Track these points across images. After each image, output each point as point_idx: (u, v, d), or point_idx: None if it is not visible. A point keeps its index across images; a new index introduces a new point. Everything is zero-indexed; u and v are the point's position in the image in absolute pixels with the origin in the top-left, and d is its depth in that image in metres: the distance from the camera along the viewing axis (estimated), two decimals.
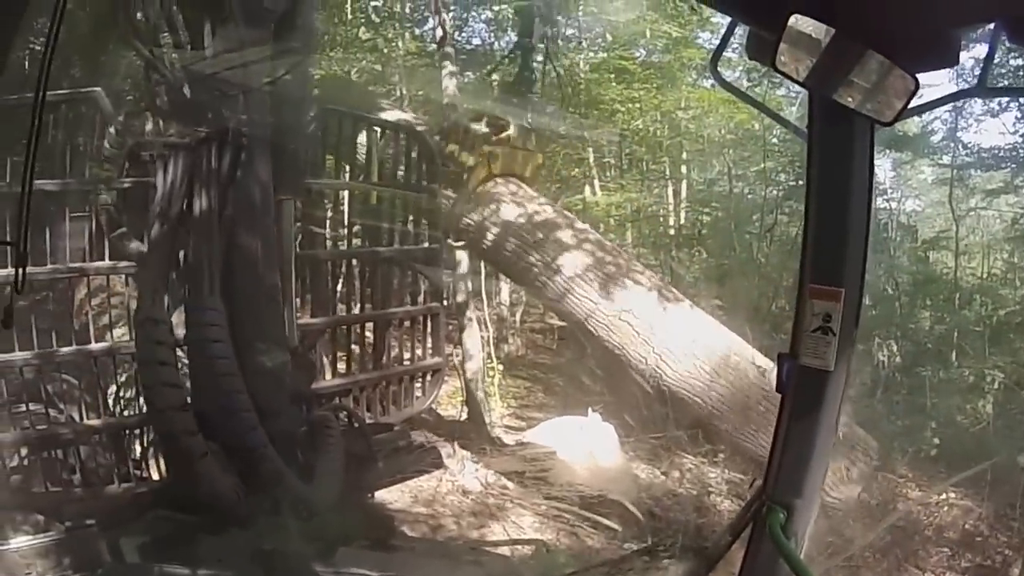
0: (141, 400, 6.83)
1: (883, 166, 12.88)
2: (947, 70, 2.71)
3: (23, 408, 6.54)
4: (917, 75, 2.48)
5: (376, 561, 5.94)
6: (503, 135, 9.13)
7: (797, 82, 2.62)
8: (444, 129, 9.16)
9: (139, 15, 6.65)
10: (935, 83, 2.68)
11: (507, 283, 13.16)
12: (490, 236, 9.49)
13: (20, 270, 2.30)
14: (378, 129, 8.27)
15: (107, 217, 6.97)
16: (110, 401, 6.98)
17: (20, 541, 5.31)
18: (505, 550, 8.00)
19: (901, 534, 8.58)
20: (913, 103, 2.51)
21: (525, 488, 8.91)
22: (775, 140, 12.46)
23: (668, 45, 12.24)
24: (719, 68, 3.60)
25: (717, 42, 3.35)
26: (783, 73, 2.58)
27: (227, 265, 6.57)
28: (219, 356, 6.45)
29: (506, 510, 8.58)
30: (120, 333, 6.95)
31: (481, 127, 9.20)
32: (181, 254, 6.66)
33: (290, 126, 7.09)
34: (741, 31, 3.03)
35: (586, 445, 9.40)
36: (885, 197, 12.92)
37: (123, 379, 6.97)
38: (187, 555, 5.34)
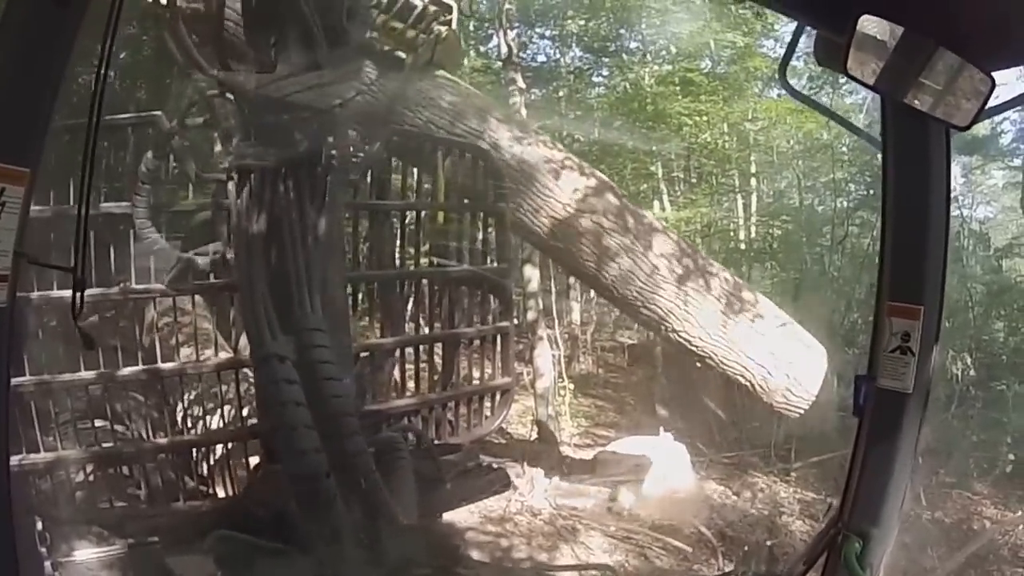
0: (208, 419, 6.87)
1: (952, 172, 12.37)
2: (1016, 69, 2.56)
3: (89, 425, 6.57)
4: (992, 74, 2.34)
5: None
6: (448, 17, 8.25)
7: (868, 87, 2.49)
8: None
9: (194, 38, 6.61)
10: (1004, 82, 2.52)
11: (578, 302, 13.08)
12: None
13: (79, 294, 2.27)
14: (443, 148, 8.22)
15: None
16: (178, 419, 7.01)
17: (86, 553, 5.37)
18: (572, 574, 7.88)
19: (975, 555, 8.29)
20: (989, 104, 2.37)
21: (595, 508, 8.80)
22: (844, 149, 12.16)
23: (733, 55, 12.08)
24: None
25: (782, 50, 3.24)
26: (854, 78, 2.46)
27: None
28: (329, 377, 6.26)
29: (576, 531, 8.46)
30: (187, 353, 6.99)
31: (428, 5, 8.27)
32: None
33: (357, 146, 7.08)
34: (807, 39, 2.92)
35: (658, 465, 9.26)
36: (956, 204, 12.36)
37: (191, 397, 7.00)
38: None
